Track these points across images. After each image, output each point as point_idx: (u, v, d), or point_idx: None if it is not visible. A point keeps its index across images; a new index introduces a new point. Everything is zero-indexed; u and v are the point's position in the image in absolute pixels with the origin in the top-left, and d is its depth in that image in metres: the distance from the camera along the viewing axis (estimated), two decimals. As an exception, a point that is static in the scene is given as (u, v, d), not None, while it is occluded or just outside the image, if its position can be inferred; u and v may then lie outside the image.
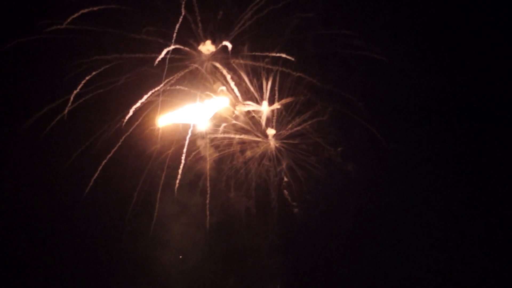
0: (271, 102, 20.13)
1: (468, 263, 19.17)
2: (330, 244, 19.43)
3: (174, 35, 19.52)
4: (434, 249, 19.56)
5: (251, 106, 20.15)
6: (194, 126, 19.80)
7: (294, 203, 19.75)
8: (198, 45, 19.80)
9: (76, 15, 19.13)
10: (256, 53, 20.00)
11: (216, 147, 19.98)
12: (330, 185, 20.04)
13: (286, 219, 19.76)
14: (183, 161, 19.45)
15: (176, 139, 19.71)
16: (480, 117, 19.86)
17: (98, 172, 19.12)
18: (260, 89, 20.10)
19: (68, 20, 19.14)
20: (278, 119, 20.31)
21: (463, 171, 19.97)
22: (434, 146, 20.21)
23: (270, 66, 20.03)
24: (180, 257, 19.04)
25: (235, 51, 19.94)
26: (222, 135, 20.09)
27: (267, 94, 20.09)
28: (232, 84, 19.99)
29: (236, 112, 20.10)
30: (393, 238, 19.68)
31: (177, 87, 19.96)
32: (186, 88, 19.96)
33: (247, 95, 20.12)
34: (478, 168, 19.87)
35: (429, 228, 19.72)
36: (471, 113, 19.99)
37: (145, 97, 19.52)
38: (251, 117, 20.23)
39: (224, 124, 20.08)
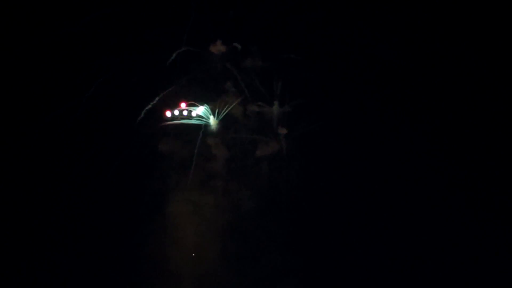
0: (282, 103, 20.28)
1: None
2: (343, 242, 19.43)
3: (185, 36, 19.88)
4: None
5: (262, 106, 20.30)
6: (205, 126, 20.03)
7: (305, 201, 19.78)
8: (209, 46, 20.06)
9: (89, 18, 19.67)
10: (267, 54, 20.25)
11: (227, 146, 20.02)
12: (344, 185, 20.05)
13: (298, 218, 19.76)
14: (194, 160, 19.65)
15: (187, 138, 19.89)
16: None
17: (111, 171, 19.38)
18: (271, 90, 20.27)
19: (81, 23, 19.67)
20: (289, 119, 20.38)
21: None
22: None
23: (280, 67, 20.27)
24: (193, 254, 19.08)
25: (246, 52, 20.22)
26: (233, 135, 20.20)
27: (278, 94, 20.25)
28: (243, 84, 20.23)
29: (247, 112, 20.24)
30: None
31: (189, 87, 20.21)
32: (197, 89, 20.18)
33: (258, 95, 20.31)
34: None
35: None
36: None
37: (157, 98, 19.81)
38: (262, 117, 20.31)
39: (235, 124, 20.21)
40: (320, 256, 19.33)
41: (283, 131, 20.23)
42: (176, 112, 19.85)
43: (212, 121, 20.07)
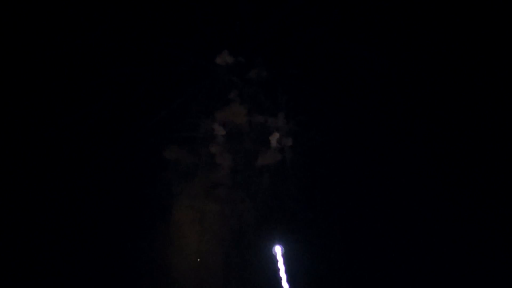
0: (287, 114, 20.44)
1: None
2: (346, 252, 19.27)
3: (192, 47, 20.30)
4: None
5: (267, 117, 20.47)
6: (210, 135, 20.18)
7: (308, 212, 19.69)
8: (215, 57, 20.39)
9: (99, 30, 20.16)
10: (272, 65, 20.57)
11: (232, 155, 20.09)
12: (348, 197, 20.00)
13: (301, 228, 19.65)
14: (199, 168, 19.72)
15: (192, 147, 20.01)
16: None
17: (115, 178, 19.45)
18: (276, 101, 20.49)
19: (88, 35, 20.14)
20: (293, 130, 20.50)
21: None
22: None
23: (286, 78, 20.54)
24: (198, 260, 18.99)
25: (251, 63, 20.54)
26: (238, 145, 20.30)
27: (283, 105, 20.46)
28: (248, 95, 20.47)
29: (252, 123, 20.40)
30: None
31: (194, 98, 20.48)
32: (203, 99, 20.43)
33: (262, 106, 20.52)
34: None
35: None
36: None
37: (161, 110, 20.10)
38: (267, 127, 20.44)
39: (240, 134, 20.33)
40: (323, 267, 19.15)
41: (287, 142, 20.33)
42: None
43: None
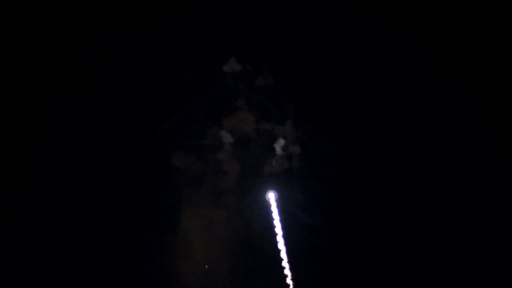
0: (295, 121, 20.45)
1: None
2: (355, 262, 19.26)
3: (199, 54, 20.36)
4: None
5: (274, 124, 20.48)
6: (218, 143, 20.19)
7: (316, 218, 19.68)
8: (222, 64, 20.43)
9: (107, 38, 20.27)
10: (280, 73, 20.57)
11: (239, 163, 20.10)
12: (355, 206, 19.98)
13: (308, 237, 19.64)
14: (206, 175, 19.75)
15: (199, 154, 20.04)
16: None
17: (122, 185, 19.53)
18: (283, 108, 20.50)
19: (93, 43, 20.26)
20: (301, 138, 20.50)
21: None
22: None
23: (293, 86, 20.55)
24: (206, 266, 19.02)
25: (259, 70, 20.56)
26: (245, 152, 20.31)
27: (291, 113, 20.47)
28: (256, 103, 20.49)
29: (260, 130, 20.42)
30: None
31: (200, 105, 20.51)
32: (210, 106, 20.46)
33: (270, 114, 20.53)
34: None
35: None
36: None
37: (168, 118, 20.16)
38: (275, 135, 20.45)
39: (247, 141, 20.34)
40: (331, 276, 19.14)
41: (295, 150, 20.32)
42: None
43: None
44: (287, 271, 19.13)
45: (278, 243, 19.31)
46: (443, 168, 19.92)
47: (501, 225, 18.93)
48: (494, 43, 19.95)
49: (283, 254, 19.24)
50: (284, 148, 20.27)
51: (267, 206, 19.70)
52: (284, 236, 19.41)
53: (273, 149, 20.29)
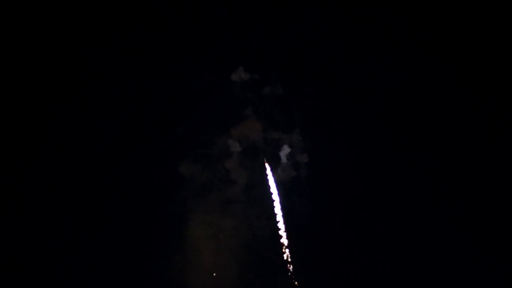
0: (302, 130, 20.56)
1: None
2: (360, 268, 19.28)
3: (208, 64, 20.60)
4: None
5: (281, 133, 20.60)
6: (226, 152, 20.34)
7: (322, 228, 19.73)
8: (231, 73, 20.61)
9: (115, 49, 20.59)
10: (287, 82, 20.70)
11: (247, 171, 20.22)
12: (361, 214, 20.00)
13: (316, 241, 19.72)
14: (214, 184, 19.90)
15: (208, 163, 20.20)
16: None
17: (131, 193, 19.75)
18: (291, 117, 20.62)
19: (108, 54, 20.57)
20: (309, 147, 20.58)
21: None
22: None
23: (300, 95, 20.68)
24: (214, 274, 19.10)
25: (266, 80, 20.71)
26: (253, 161, 20.42)
27: (298, 122, 20.59)
28: (264, 112, 20.62)
29: (267, 138, 20.54)
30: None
31: (210, 114, 20.71)
32: (218, 115, 20.65)
33: (278, 123, 20.66)
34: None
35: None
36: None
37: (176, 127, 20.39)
38: (282, 144, 20.55)
39: (255, 150, 20.47)
40: (337, 284, 19.17)
41: (302, 158, 20.40)
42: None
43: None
44: (293, 279, 19.18)
45: (285, 251, 19.42)
46: (455, 179, 19.95)
47: (502, 225, 18.96)
48: (495, 49, 20.17)
49: (290, 262, 19.31)
50: (291, 157, 20.40)
51: (274, 215, 19.80)
52: (290, 244, 19.50)
53: (280, 158, 20.43)
